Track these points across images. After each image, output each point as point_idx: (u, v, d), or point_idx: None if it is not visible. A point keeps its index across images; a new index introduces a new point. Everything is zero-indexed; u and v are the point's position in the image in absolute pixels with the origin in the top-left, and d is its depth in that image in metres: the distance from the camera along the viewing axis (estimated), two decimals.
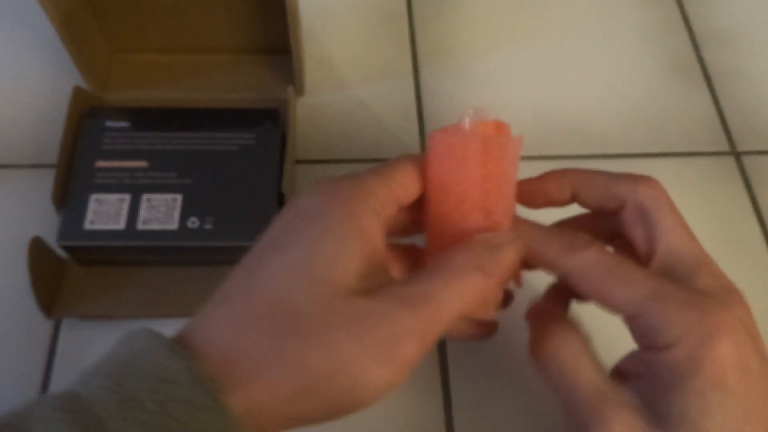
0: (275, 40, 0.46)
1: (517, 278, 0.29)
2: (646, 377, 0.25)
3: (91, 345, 0.38)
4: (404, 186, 0.27)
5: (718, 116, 0.49)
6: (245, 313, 0.23)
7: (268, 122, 0.43)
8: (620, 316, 0.26)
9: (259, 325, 0.23)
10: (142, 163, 0.40)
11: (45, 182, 0.39)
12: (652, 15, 0.54)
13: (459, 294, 0.24)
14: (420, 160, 0.28)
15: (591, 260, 0.26)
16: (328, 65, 0.50)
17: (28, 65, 0.48)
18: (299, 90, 0.47)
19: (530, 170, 0.31)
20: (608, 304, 0.26)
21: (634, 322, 0.25)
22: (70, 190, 0.39)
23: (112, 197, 0.39)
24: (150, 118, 0.43)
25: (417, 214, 0.30)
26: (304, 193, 0.27)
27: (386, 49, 0.51)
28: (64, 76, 0.46)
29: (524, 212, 0.30)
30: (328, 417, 0.24)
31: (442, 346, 0.39)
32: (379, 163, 0.28)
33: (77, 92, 0.42)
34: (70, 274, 0.39)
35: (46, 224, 0.40)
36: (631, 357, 0.27)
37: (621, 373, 0.27)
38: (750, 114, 0.50)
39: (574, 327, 0.28)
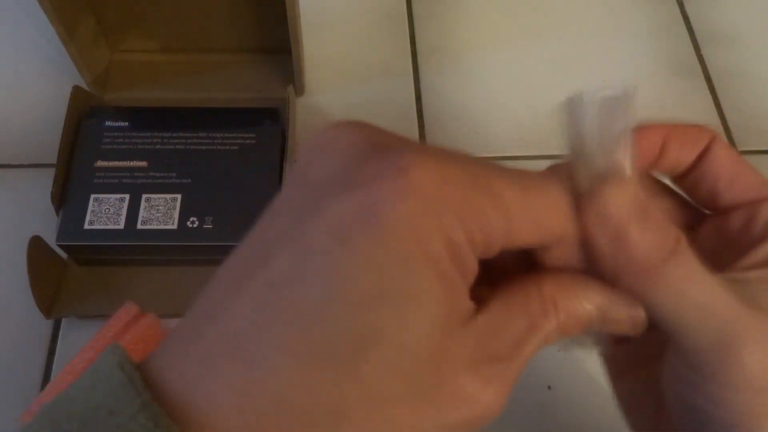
0: (275, 40, 0.46)
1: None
2: None
3: None
4: (534, 218, 0.18)
5: (718, 116, 0.49)
6: (258, 391, 0.16)
7: (268, 122, 0.43)
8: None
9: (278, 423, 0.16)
10: (142, 163, 0.40)
11: (45, 182, 0.39)
12: (652, 15, 0.54)
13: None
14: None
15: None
16: (328, 65, 0.50)
17: (28, 65, 0.48)
18: (299, 90, 0.47)
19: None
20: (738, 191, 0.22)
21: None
22: (70, 189, 0.39)
23: (112, 197, 0.39)
24: (149, 118, 0.43)
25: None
26: (321, 156, 0.17)
27: (386, 48, 0.51)
28: (64, 76, 0.46)
29: None
30: None
31: None
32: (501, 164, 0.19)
33: (77, 92, 0.42)
34: (69, 273, 0.39)
35: (45, 224, 0.39)
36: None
37: None
38: (750, 114, 0.50)
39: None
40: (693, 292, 0.19)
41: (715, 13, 0.55)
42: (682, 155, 0.22)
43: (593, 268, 0.20)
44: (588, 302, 0.19)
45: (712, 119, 0.49)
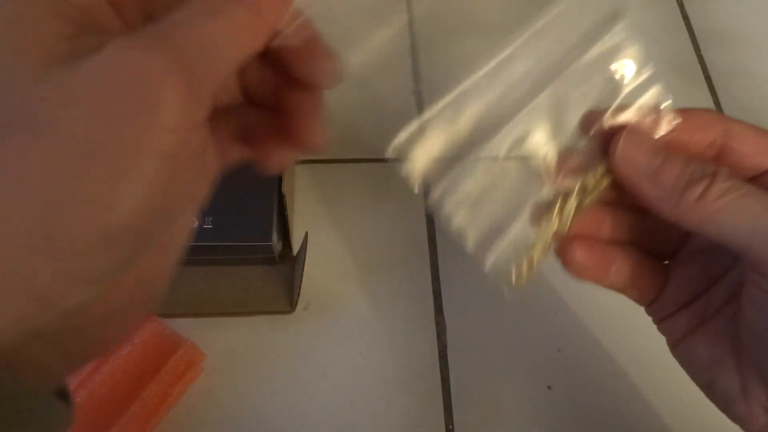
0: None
1: None
2: None
3: None
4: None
5: None
6: None
7: None
8: None
9: None
10: None
11: None
12: (652, 15, 0.54)
13: (231, 26, 0.17)
14: None
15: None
16: None
17: None
18: None
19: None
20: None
21: None
22: None
23: None
24: None
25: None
26: None
27: (386, 47, 0.51)
28: None
29: None
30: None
31: (442, 347, 0.39)
32: None
33: None
34: None
35: None
36: None
37: None
38: (750, 114, 0.50)
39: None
40: (741, 204, 0.21)
41: (715, 13, 0.55)
42: (706, 136, 0.24)
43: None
44: None
45: None
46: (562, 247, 0.25)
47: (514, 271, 0.24)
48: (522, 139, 0.24)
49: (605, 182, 0.24)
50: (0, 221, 0.14)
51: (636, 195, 0.23)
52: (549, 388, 0.38)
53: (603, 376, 0.39)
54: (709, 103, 0.50)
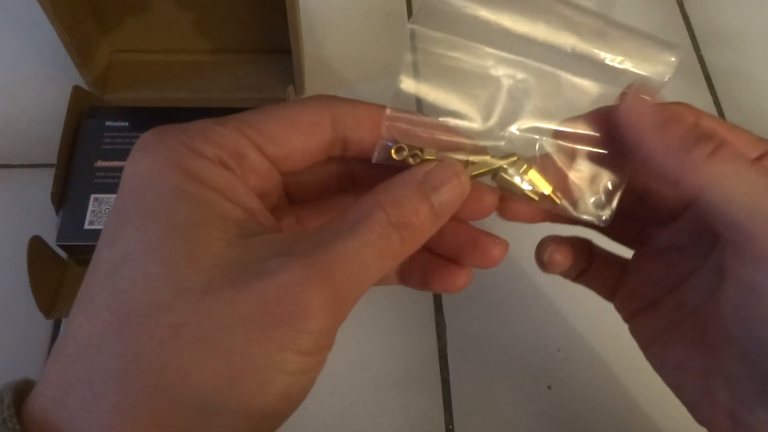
0: (275, 40, 0.46)
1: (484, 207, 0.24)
2: None
3: None
4: (273, 135, 0.21)
5: (718, 116, 0.49)
6: (84, 335, 0.18)
7: None
8: None
9: (104, 343, 0.18)
10: None
11: (45, 182, 0.39)
12: (652, 15, 0.54)
13: (379, 253, 0.19)
14: (328, 104, 0.23)
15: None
16: (328, 65, 0.50)
17: (28, 65, 0.48)
18: (299, 90, 0.47)
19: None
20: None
21: None
22: (70, 189, 0.39)
23: (112, 197, 0.39)
24: (150, 118, 0.43)
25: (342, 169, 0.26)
26: (130, 157, 0.20)
27: (386, 49, 0.51)
28: (64, 76, 0.46)
29: None
30: None
31: (442, 347, 0.39)
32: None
33: (77, 92, 0.42)
34: (69, 274, 0.39)
35: (45, 224, 0.39)
36: None
37: None
38: (750, 114, 0.50)
39: None
40: (750, 174, 0.20)
41: (715, 13, 0.55)
42: None
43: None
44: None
45: None
46: (542, 249, 0.27)
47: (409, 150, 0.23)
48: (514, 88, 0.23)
49: (527, 192, 0.23)
50: None
51: (638, 148, 0.22)
52: (549, 388, 0.38)
53: (603, 376, 0.39)
54: (709, 103, 0.50)
